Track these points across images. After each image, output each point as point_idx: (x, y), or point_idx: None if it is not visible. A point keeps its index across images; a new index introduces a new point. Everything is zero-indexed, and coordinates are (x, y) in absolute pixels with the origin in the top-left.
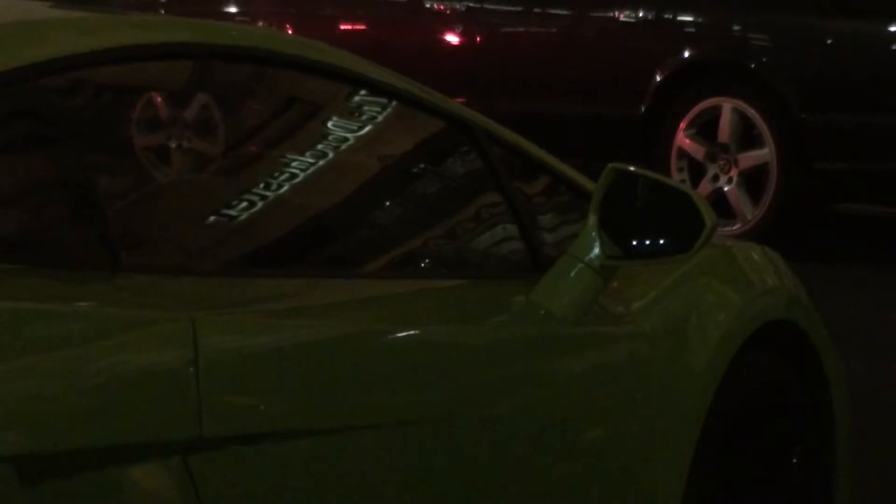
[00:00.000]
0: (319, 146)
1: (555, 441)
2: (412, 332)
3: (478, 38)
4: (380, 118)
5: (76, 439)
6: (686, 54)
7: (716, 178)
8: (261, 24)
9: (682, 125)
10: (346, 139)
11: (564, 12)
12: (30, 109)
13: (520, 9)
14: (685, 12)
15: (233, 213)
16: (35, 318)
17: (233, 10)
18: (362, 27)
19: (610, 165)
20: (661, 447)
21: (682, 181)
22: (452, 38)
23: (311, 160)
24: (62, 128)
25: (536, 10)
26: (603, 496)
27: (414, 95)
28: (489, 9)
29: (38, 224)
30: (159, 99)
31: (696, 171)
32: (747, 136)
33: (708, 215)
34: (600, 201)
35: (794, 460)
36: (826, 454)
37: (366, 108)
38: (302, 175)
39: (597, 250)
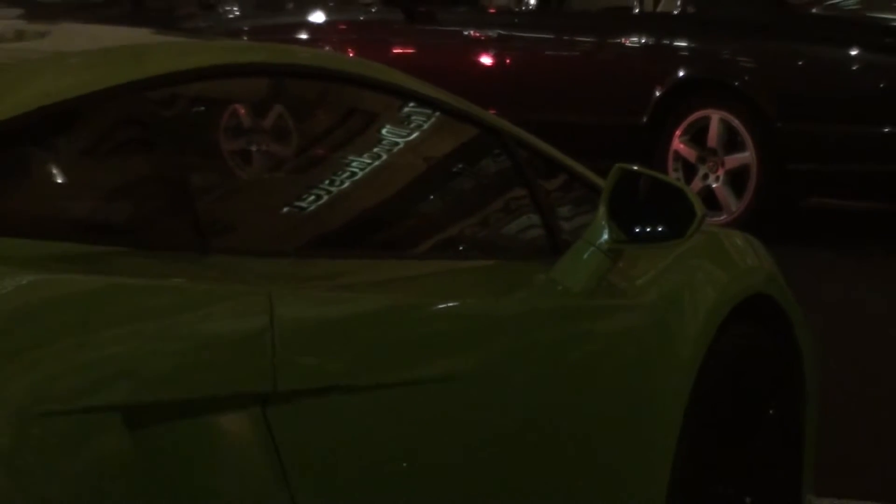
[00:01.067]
0: (375, 149)
1: (568, 395)
2: (452, 303)
3: (507, 60)
4: (425, 126)
5: (172, 392)
6: (681, 74)
7: (705, 176)
8: (327, 48)
9: (678, 132)
10: (397, 143)
11: (580, 39)
12: (138, 118)
13: (542, 36)
14: (680, 39)
15: (303, 204)
16: (141, 291)
17: (304, 37)
18: (411, 50)
19: (617, 165)
20: (660, 401)
21: (678, 179)
22: (486, 60)
23: (368, 160)
24: (163, 133)
25: (556, 36)
26: (608, 443)
27: (453, 107)
28: (517, 35)
29: (142, 214)
30: (242, 110)
31: (689, 170)
32: (732, 142)
33: (698, 207)
34: (609, 195)
35: (770, 412)
36: (796, 408)
37: (413, 117)
38: (360, 173)
39: (606, 236)
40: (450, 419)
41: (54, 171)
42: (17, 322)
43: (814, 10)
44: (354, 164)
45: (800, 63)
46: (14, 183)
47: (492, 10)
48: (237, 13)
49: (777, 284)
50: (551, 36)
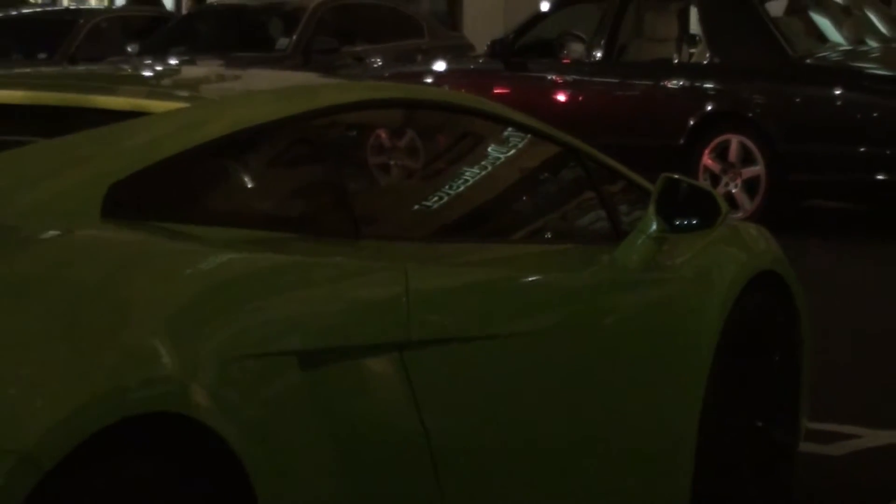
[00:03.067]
0: (482, 162)
1: (626, 345)
2: (540, 276)
3: (579, 98)
4: (520, 145)
5: (333, 341)
6: (709, 108)
7: (727, 184)
8: (446, 87)
9: (706, 151)
10: (499, 158)
11: (633, 82)
12: (311, 138)
13: (605, 80)
14: (708, 82)
15: (429, 203)
16: (311, 265)
17: (429, 80)
18: (508, 90)
19: (662, 174)
20: (693, 349)
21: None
22: (563, 97)
23: (477, 171)
24: (327, 150)
25: (615, 80)
26: (656, 380)
27: (540, 130)
28: (586, 80)
29: (312, 210)
30: (384, 133)
31: (714, 180)
32: (747, 159)
33: (723, 206)
34: (656, 196)
35: (776, 358)
36: (795, 355)
37: (511, 139)
38: (471, 180)
39: (654, 227)
40: (537, 363)
41: (246, 177)
42: (220, 288)
43: (808, 61)
44: (467, 173)
45: (798, 100)
46: (217, 186)
47: (566, 61)
48: (380, 63)
49: (782, 263)
50: (611, 80)
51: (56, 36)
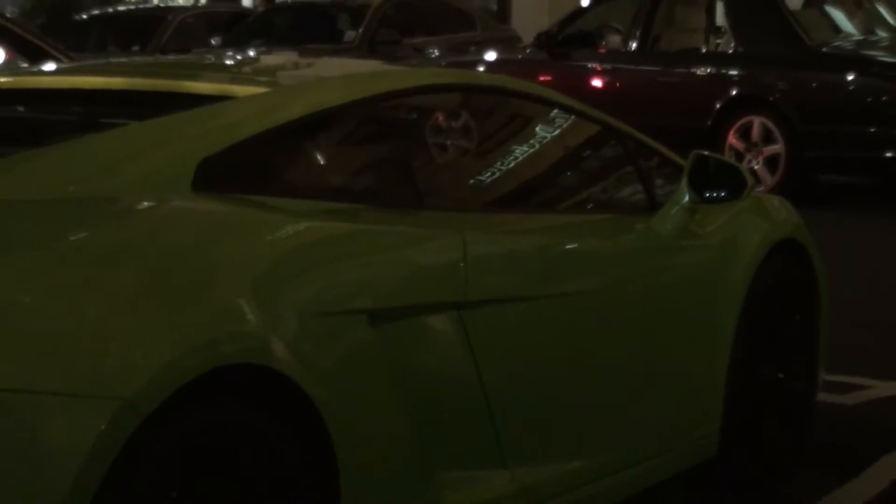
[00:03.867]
0: (531, 140)
1: (662, 302)
2: (583, 242)
3: (617, 84)
4: (565, 124)
5: (398, 300)
6: (733, 92)
7: (749, 161)
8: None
9: (731, 132)
10: (545, 137)
11: (665, 69)
12: (377, 119)
13: (640, 67)
14: (733, 69)
15: (482, 178)
16: (379, 233)
17: (482, 68)
18: (552, 77)
19: (694, 151)
20: (722, 307)
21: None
22: (602, 83)
23: (526, 148)
24: (392, 130)
25: (649, 67)
26: (690, 334)
27: (584, 112)
28: (622, 67)
29: (380, 183)
30: (441, 115)
31: (738, 157)
32: (768, 138)
33: (749, 179)
34: (688, 171)
35: (796, 316)
36: (813, 313)
37: (556, 119)
38: (521, 157)
39: (686, 198)
40: (582, 319)
41: (321, 154)
42: (298, 253)
43: (824, 50)
44: (517, 150)
45: (814, 85)
46: (295, 162)
47: (604, 51)
48: (437, 54)
49: (801, 231)
50: (645, 67)
51: (148, 30)
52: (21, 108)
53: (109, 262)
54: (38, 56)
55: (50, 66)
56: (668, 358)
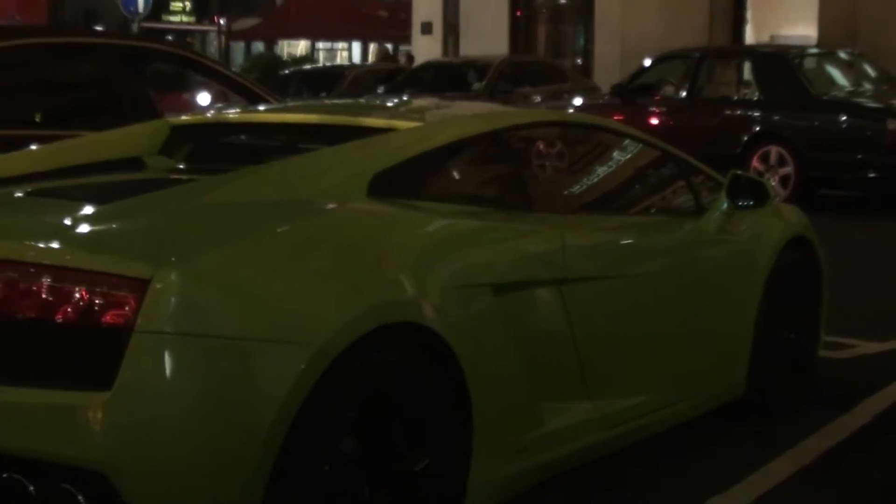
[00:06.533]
0: (609, 162)
1: (706, 283)
2: (649, 236)
3: (671, 122)
4: (634, 150)
5: (513, 277)
6: (756, 128)
7: (768, 179)
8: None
9: (755, 157)
10: (620, 159)
11: (707, 111)
12: (498, 145)
13: (687, 110)
14: (756, 111)
15: (574, 189)
16: (500, 227)
17: (571, 110)
18: (624, 116)
19: (731, 171)
20: (749, 286)
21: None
22: (660, 121)
23: (606, 167)
24: (508, 154)
25: (695, 110)
26: (724, 308)
27: (648, 141)
28: (674, 109)
29: (501, 192)
30: (542, 143)
31: (759, 177)
32: (782, 162)
33: (772, 192)
34: (726, 185)
35: (804, 293)
36: (817, 292)
37: (628, 146)
38: (602, 174)
39: (725, 205)
40: (649, 293)
41: (459, 171)
42: (442, 242)
43: (824, 97)
44: (599, 169)
45: (816, 123)
46: (441, 176)
47: (659, 98)
48: (539, 100)
49: (809, 230)
50: (691, 110)
51: (332, 82)
52: (243, 136)
53: (307, 246)
54: (255, 99)
55: (263, 106)
56: (710, 321)
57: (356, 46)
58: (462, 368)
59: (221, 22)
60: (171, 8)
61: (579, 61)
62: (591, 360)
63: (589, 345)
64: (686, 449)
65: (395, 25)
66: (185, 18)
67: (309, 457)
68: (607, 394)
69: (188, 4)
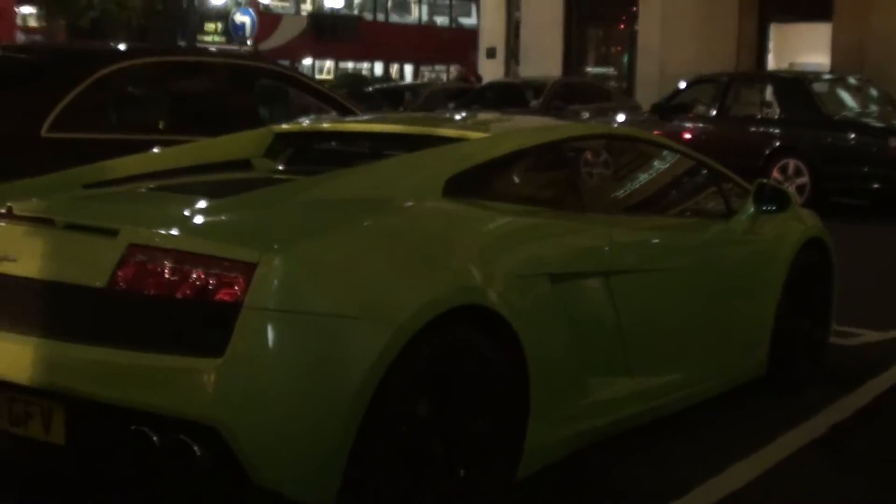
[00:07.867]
0: (649, 170)
1: (735, 277)
2: (685, 235)
3: (703, 137)
4: (672, 160)
5: (566, 267)
6: (777, 144)
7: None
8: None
9: (775, 169)
10: (660, 168)
11: (734, 128)
12: (554, 154)
13: (717, 126)
14: (776, 129)
15: (619, 194)
16: (555, 226)
17: (614, 125)
18: (662, 131)
19: (758, 179)
20: (772, 279)
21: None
22: (692, 135)
23: (647, 175)
24: (563, 163)
25: (723, 127)
26: (751, 298)
27: (684, 151)
28: (705, 126)
29: (557, 194)
30: (590, 153)
31: None
32: (798, 173)
33: (794, 198)
34: (753, 192)
35: (817, 286)
36: (829, 287)
37: (667, 156)
38: (643, 180)
39: (752, 209)
40: (685, 284)
41: (520, 176)
42: (504, 237)
43: (836, 117)
44: (641, 176)
45: (829, 140)
46: (505, 180)
47: (691, 115)
48: (587, 115)
49: (823, 232)
50: (721, 126)
51: (408, 97)
52: (335, 143)
53: (390, 237)
54: (344, 111)
55: (351, 118)
56: (737, 309)
57: (408, 67)
58: (522, 346)
59: (248, 42)
60: (206, 28)
61: (624, 84)
62: (633, 342)
63: (631, 328)
64: (711, 420)
65: (455, 50)
66: (216, 39)
67: (389, 419)
68: (646, 371)
69: (220, 25)
